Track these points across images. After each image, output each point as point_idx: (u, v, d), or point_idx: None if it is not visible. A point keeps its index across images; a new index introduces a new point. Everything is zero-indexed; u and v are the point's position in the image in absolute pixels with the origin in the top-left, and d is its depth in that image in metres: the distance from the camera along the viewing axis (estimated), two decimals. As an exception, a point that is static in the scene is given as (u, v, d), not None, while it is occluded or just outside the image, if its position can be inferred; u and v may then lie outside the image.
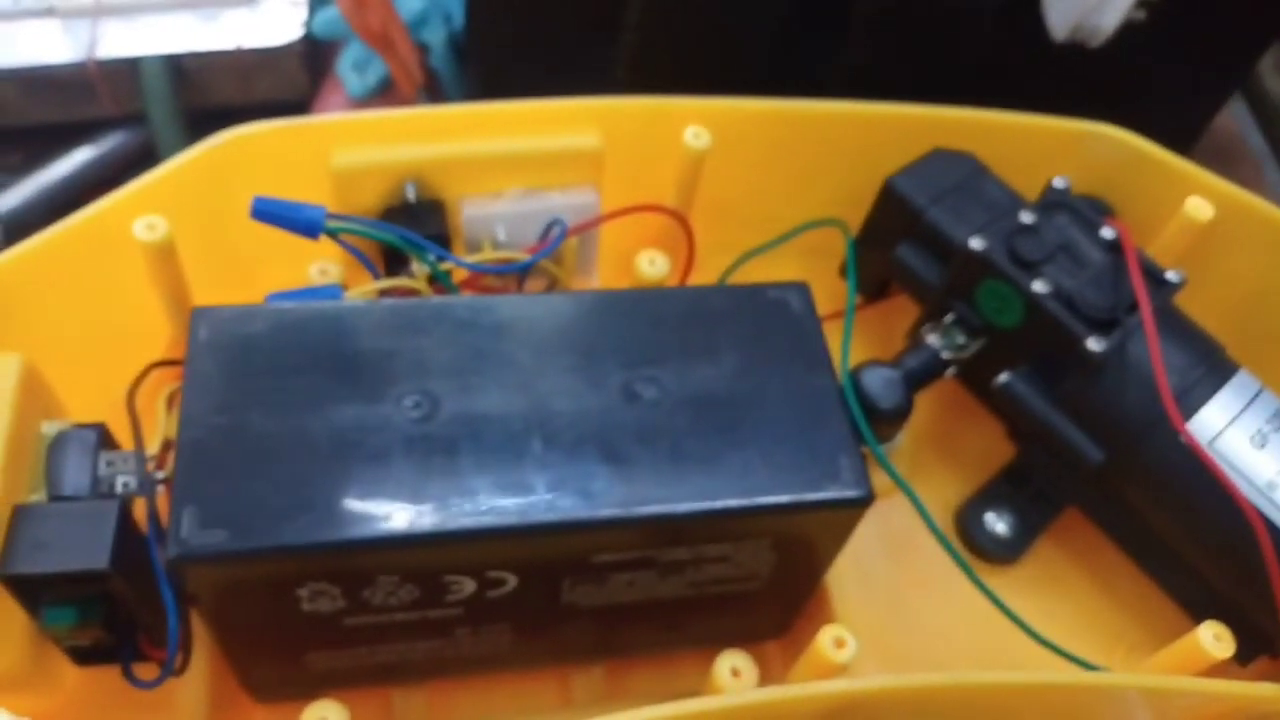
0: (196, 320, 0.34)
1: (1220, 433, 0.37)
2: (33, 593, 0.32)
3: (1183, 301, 0.42)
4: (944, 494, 0.45)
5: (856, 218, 0.47)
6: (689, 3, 0.63)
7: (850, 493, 0.34)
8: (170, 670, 0.34)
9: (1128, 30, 0.57)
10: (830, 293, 0.49)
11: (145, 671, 0.34)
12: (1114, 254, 0.40)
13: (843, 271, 0.47)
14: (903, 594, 0.42)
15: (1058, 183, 0.42)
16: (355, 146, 0.40)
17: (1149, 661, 0.35)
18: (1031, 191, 0.44)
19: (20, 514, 0.32)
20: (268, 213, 0.37)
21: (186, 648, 0.35)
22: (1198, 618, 0.41)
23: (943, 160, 0.44)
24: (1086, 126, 0.46)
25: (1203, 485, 0.37)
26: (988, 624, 0.39)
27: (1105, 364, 0.38)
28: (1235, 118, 1.07)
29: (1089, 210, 0.41)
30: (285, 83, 0.79)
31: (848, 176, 0.46)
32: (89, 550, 0.31)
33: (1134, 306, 0.38)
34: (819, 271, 0.49)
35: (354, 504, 0.32)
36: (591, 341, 0.36)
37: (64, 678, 0.35)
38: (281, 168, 0.40)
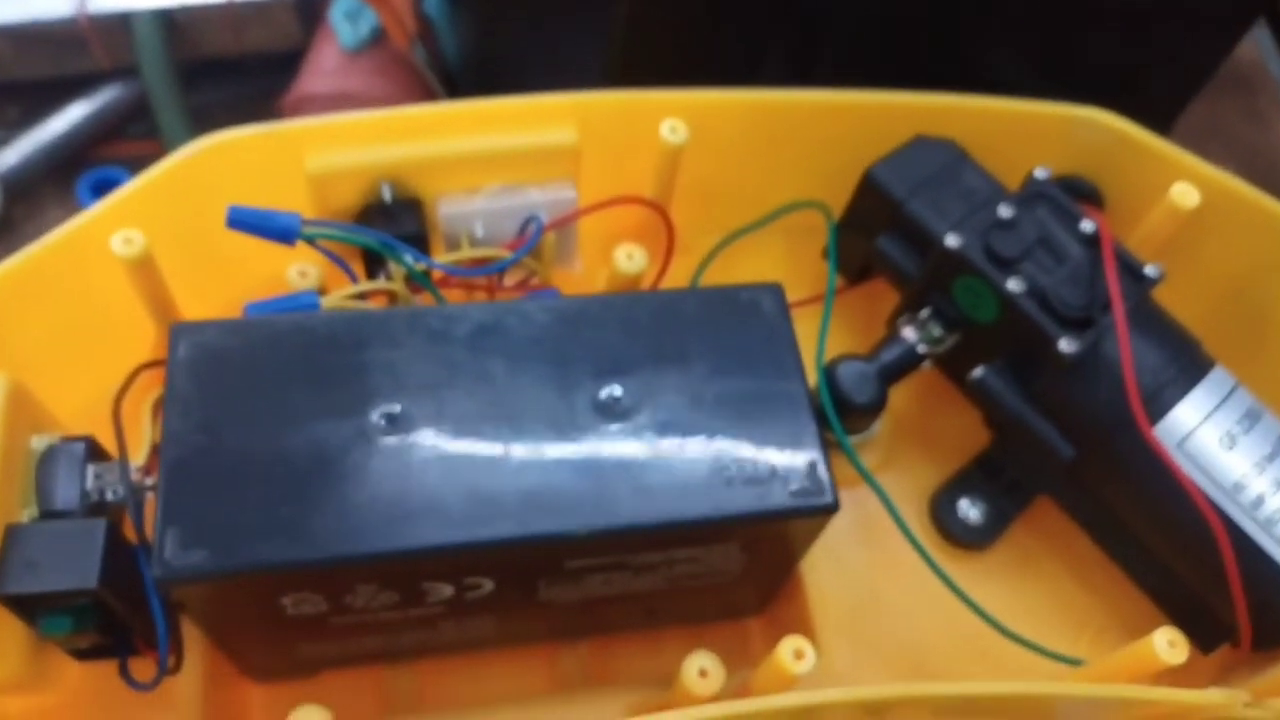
0: (175, 337, 0.35)
1: (1191, 433, 0.38)
2: (28, 607, 0.33)
3: (1166, 287, 0.41)
4: (921, 479, 0.45)
5: (841, 198, 0.46)
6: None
7: (816, 501, 0.35)
8: (164, 671, 0.35)
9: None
10: (814, 272, 0.49)
11: (142, 671, 0.36)
12: (1093, 248, 0.40)
13: (826, 253, 0.47)
14: (875, 579, 0.43)
15: (1039, 173, 0.42)
16: (329, 150, 0.40)
17: (1106, 661, 0.36)
18: (1016, 177, 0.43)
19: (11, 534, 0.33)
20: (243, 222, 0.38)
21: (178, 649, 0.36)
22: (1163, 606, 0.42)
23: (924, 148, 0.44)
24: (1072, 111, 0.45)
25: (1169, 486, 0.37)
26: (958, 609, 0.39)
27: (1078, 363, 0.38)
28: (1257, 44, 1.04)
29: (1070, 201, 0.41)
30: (278, 34, 0.78)
31: (831, 161, 0.45)
32: (79, 569, 0.32)
33: (1110, 304, 0.38)
34: (803, 250, 0.49)
35: (329, 521, 0.33)
36: (563, 351, 0.36)
37: (66, 675, 0.37)
38: (256, 173, 0.40)
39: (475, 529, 0.33)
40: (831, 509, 0.35)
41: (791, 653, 0.33)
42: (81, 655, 0.36)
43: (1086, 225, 0.40)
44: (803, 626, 0.43)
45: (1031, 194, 0.41)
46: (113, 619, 0.34)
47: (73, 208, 0.75)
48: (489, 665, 0.44)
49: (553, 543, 0.34)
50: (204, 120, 0.77)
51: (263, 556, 0.32)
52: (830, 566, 0.43)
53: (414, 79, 0.76)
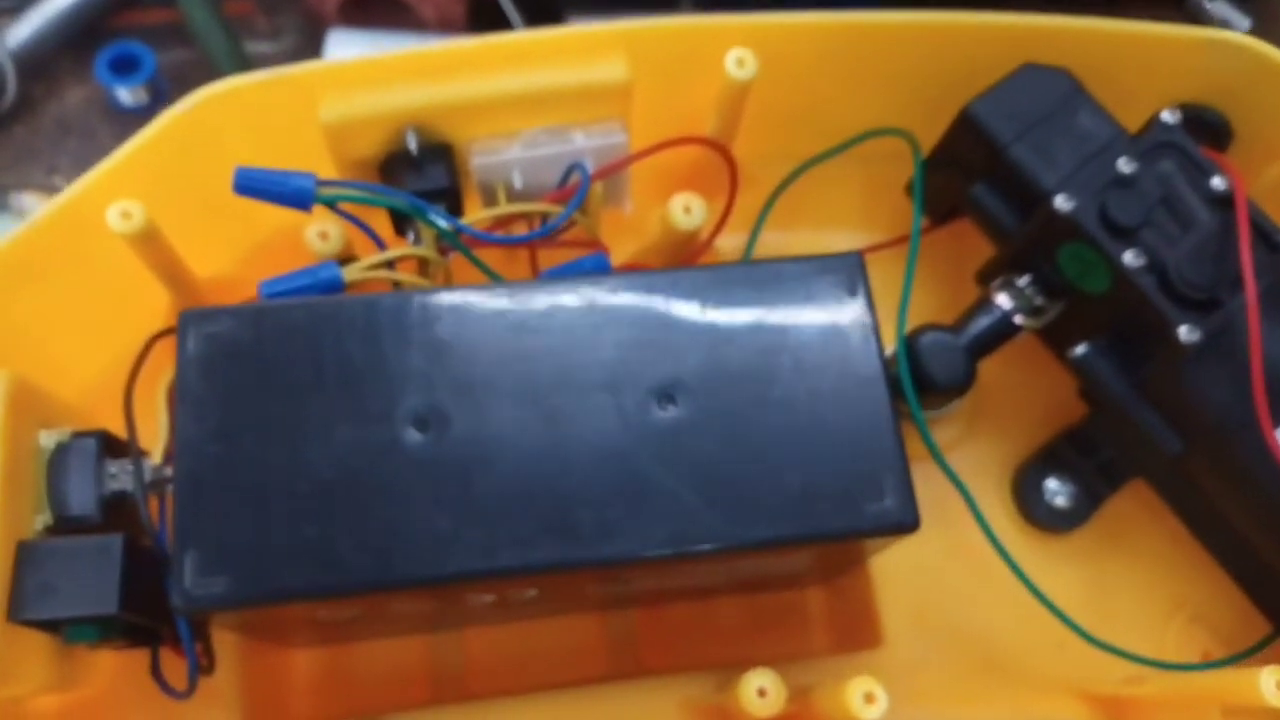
0: (184, 328, 0.32)
1: (1323, 435, 0.33)
2: (50, 624, 0.31)
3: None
4: (1005, 451, 0.41)
5: (928, 125, 0.40)
6: None
7: (895, 520, 0.31)
8: (196, 675, 0.34)
9: None
10: (894, 208, 0.44)
11: (176, 678, 0.34)
12: (1223, 211, 0.34)
13: (909, 189, 0.41)
14: (947, 560, 0.40)
15: (1166, 117, 0.35)
16: (344, 95, 0.35)
17: (1199, 680, 0.33)
18: (1138, 110, 0.37)
19: (24, 554, 0.31)
20: (252, 187, 0.33)
21: (209, 651, 0.35)
22: (1265, 608, 0.39)
23: (1032, 79, 0.37)
24: (1205, 34, 0.38)
25: (1291, 495, 0.33)
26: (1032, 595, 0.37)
27: (1198, 351, 0.34)
28: None
29: (1199, 153, 0.35)
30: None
31: (920, 87, 0.39)
32: (98, 593, 0.31)
33: (1239, 282, 0.33)
34: (884, 180, 0.44)
35: (359, 543, 0.30)
36: (614, 342, 0.32)
37: (98, 668, 0.35)
38: (265, 125, 0.35)
39: (519, 554, 0.30)
40: (912, 528, 0.31)
41: (861, 696, 0.30)
42: (112, 649, 0.35)
43: (1217, 182, 0.35)
44: (864, 599, 0.40)
45: (1156, 143, 0.35)
46: (138, 625, 0.33)
47: (93, 86, 0.70)
48: (537, 636, 0.42)
49: (602, 566, 0.31)
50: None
51: (289, 584, 0.30)
52: (898, 546, 0.40)
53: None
